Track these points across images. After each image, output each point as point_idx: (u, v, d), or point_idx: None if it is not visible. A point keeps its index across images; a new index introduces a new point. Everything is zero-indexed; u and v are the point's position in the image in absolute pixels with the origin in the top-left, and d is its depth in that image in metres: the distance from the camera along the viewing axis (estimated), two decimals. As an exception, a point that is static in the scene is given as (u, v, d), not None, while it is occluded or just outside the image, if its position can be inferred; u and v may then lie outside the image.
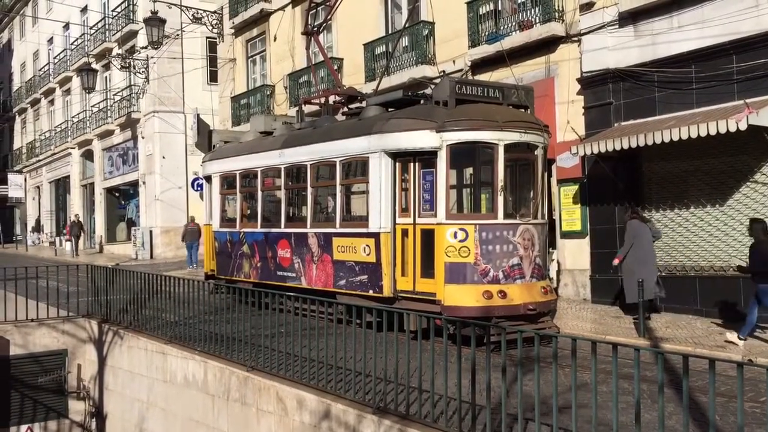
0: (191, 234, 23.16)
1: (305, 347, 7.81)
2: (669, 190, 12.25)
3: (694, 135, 10.19)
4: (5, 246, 42.84)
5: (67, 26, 38.17)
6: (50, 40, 41.17)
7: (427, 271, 9.86)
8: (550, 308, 10.37)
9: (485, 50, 14.70)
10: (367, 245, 10.51)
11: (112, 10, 31.94)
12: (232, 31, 24.94)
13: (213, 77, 28.30)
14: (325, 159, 11.58)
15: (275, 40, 22.79)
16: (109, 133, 33.23)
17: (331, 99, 13.78)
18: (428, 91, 11.69)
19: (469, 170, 11.80)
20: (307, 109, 16.24)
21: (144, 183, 29.85)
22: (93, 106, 34.76)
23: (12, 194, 44.51)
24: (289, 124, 14.08)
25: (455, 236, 9.62)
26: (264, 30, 23.58)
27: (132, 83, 30.36)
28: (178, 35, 27.12)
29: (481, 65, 15.05)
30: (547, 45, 13.86)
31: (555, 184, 13.74)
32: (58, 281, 14.13)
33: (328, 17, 15.18)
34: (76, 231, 31.60)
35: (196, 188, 24.37)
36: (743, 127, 9.68)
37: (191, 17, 25.05)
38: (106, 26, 32.35)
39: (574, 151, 12.30)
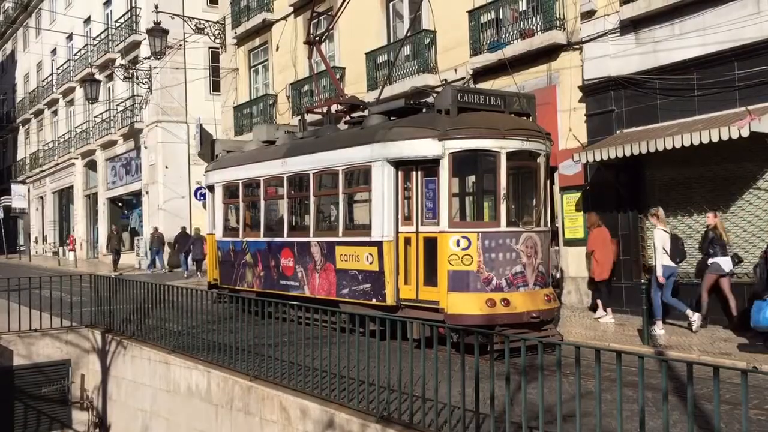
0: (159, 241, 26.85)
1: (308, 356, 7.79)
2: (672, 197, 12.24)
3: (696, 142, 10.20)
4: (9, 256, 42.90)
5: (70, 37, 38.38)
6: (53, 51, 41.37)
7: (430, 279, 9.83)
8: (554, 316, 10.35)
9: (487, 58, 14.73)
10: (369, 254, 10.50)
11: (115, 21, 32.10)
12: (235, 41, 25.02)
13: (216, 87, 28.38)
14: (327, 168, 11.59)
15: (277, 49, 22.86)
16: (112, 144, 33.35)
17: (334, 108, 13.81)
18: (430, 99, 11.72)
19: (472, 178, 11.80)
20: (310, 118, 16.26)
21: (147, 193, 29.91)
22: (96, 117, 34.89)
23: (15, 205, 44.65)
24: (292, 134, 14.09)
25: (458, 244, 9.61)
26: (266, 40, 23.67)
27: (135, 93, 30.49)
28: (180, 45, 27.23)
29: (482, 73, 15.08)
30: (549, 53, 13.88)
31: (557, 192, 13.73)
32: (61, 291, 14.14)
33: (330, 27, 15.22)
34: (116, 244, 28.15)
35: (199, 198, 24.44)
36: (745, 134, 9.68)
37: (194, 27, 25.17)
38: (109, 37, 32.52)
39: (576, 159, 12.30)
